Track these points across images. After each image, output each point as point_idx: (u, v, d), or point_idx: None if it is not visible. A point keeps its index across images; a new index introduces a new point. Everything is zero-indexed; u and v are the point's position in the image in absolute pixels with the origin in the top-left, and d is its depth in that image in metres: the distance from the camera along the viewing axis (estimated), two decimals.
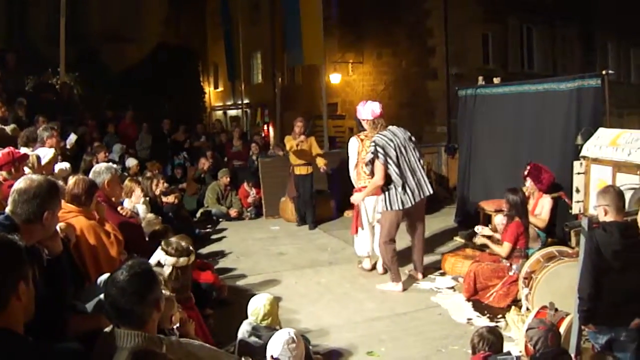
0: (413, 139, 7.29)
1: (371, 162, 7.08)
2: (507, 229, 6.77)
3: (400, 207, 6.97)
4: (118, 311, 2.75)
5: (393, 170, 6.93)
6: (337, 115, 23.68)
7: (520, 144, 8.97)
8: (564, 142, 8.05)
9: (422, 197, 7.09)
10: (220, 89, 35.18)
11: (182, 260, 5.06)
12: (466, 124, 10.40)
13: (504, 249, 6.68)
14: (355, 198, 7.64)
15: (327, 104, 16.60)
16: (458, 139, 11.45)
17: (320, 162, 10.61)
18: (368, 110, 7.42)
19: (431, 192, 7.19)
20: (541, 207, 7.63)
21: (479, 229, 7.29)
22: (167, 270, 4.98)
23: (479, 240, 7.20)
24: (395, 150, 6.96)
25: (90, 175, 5.62)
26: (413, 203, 6.98)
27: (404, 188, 6.93)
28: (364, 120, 7.52)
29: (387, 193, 7.04)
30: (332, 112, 22.71)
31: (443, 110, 19.32)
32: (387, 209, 7.09)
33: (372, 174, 7.19)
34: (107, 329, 2.83)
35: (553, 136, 8.31)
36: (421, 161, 7.25)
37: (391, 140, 7.00)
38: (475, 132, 10.16)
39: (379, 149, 6.95)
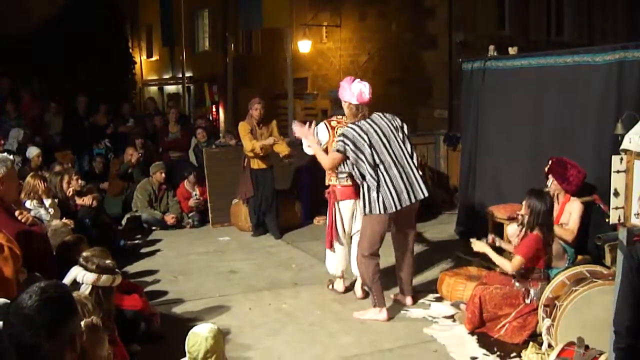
0: (405, 128, 7.29)
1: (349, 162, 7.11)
2: (522, 241, 6.74)
3: (382, 211, 6.94)
4: (21, 348, 2.63)
5: (366, 167, 6.92)
6: (306, 94, 23.67)
7: (542, 132, 9.02)
8: (599, 132, 8.07)
9: (413, 201, 7.05)
10: (155, 57, 35.00)
11: (105, 278, 5.02)
12: (472, 106, 10.44)
13: (513, 264, 6.61)
14: (299, 130, 7.64)
15: (294, 79, 16.59)
16: (461, 126, 11.49)
17: (282, 149, 10.57)
18: (355, 90, 7.24)
19: (426, 194, 7.16)
20: (568, 215, 7.61)
21: (489, 239, 7.21)
22: (85, 292, 4.94)
23: (476, 245, 7.11)
24: (370, 146, 6.94)
25: None
26: (399, 207, 6.93)
27: (387, 188, 6.90)
28: (345, 102, 7.38)
29: (366, 192, 7.02)
30: (301, 89, 22.69)
31: (443, 88, 19.42)
32: (366, 212, 7.08)
33: (351, 177, 7.29)
34: None
35: (585, 123, 8.34)
36: (414, 156, 7.24)
37: (365, 134, 6.97)
38: (484, 118, 10.20)
39: (347, 142, 6.95)
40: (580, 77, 8.44)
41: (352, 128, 7.04)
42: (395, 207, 6.93)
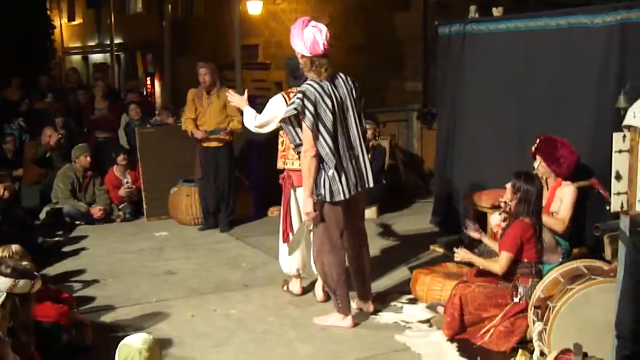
0: (360, 96, 7.07)
1: (291, 123, 6.77)
2: (506, 233, 6.74)
3: (328, 198, 6.79)
4: None
5: (325, 143, 6.65)
6: (257, 64, 23.63)
7: (531, 107, 9.04)
8: (598, 105, 8.08)
9: (359, 189, 6.94)
10: (78, 21, 34.70)
11: (23, 284, 4.96)
12: (450, 78, 10.48)
13: (500, 263, 6.63)
14: (235, 99, 7.73)
15: (242, 47, 16.51)
16: (437, 101, 11.51)
17: (235, 124, 10.44)
18: (307, 37, 6.71)
19: (372, 185, 7.09)
20: (559, 201, 7.60)
21: (468, 226, 7.19)
22: None
23: (458, 255, 7.03)
24: (332, 113, 6.65)
25: None
26: (347, 196, 6.80)
27: (337, 172, 6.70)
28: (298, 54, 6.90)
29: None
30: (251, 58, 22.60)
31: (417, 57, 19.40)
32: (316, 195, 6.87)
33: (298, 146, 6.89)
34: None
35: (582, 96, 8.34)
36: (365, 135, 7.11)
37: (329, 98, 6.66)
38: (464, 91, 10.22)
39: (307, 103, 6.55)
40: (576, 42, 8.44)
41: (313, 86, 6.64)
42: (344, 195, 6.77)
